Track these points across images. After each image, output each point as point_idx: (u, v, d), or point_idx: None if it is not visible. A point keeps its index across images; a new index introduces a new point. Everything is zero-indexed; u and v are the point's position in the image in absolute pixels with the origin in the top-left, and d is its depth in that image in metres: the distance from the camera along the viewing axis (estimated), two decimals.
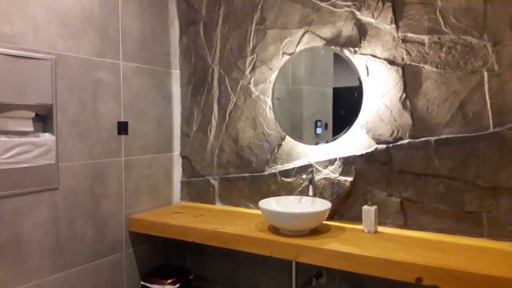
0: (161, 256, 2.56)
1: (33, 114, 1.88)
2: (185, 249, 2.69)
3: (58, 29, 1.94)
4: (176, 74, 2.64)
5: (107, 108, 2.19)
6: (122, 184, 2.29)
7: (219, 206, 2.53)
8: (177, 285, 2.23)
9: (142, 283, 2.30)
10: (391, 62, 1.95)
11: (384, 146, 1.98)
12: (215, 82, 2.51)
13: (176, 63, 2.64)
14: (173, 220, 2.21)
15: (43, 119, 1.93)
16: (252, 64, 2.37)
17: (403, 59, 1.92)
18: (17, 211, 1.80)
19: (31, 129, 1.87)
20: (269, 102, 2.31)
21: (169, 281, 2.23)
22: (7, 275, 1.77)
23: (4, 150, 1.74)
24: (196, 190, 2.63)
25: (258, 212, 2.29)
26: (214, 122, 2.53)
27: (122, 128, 2.27)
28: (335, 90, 2.14)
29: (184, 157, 2.67)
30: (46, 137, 1.91)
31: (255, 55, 2.36)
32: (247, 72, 2.39)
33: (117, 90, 2.24)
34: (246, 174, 2.42)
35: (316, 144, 2.16)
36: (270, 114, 2.32)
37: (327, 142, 2.13)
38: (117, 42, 2.24)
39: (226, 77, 2.47)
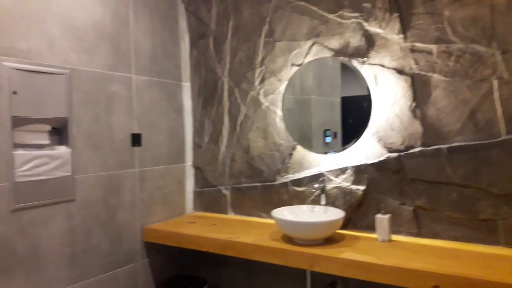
0: (176, 266, 2.57)
1: (49, 128, 1.91)
2: (200, 259, 2.69)
3: (71, 44, 1.99)
4: (187, 87, 2.68)
5: (120, 120, 2.22)
6: (136, 195, 2.32)
7: (231, 215, 2.54)
8: None
9: None
10: (400, 71, 1.97)
11: (395, 154, 1.99)
12: (225, 94, 2.55)
13: (186, 76, 2.68)
14: (187, 230, 2.23)
15: (59, 132, 1.97)
16: (261, 76, 2.41)
17: (411, 68, 1.95)
18: (35, 223, 1.83)
19: (48, 142, 1.90)
20: (279, 112, 2.34)
21: None
22: (27, 285, 1.79)
23: (22, 163, 1.77)
24: (208, 200, 2.65)
25: (270, 221, 2.30)
26: (225, 133, 2.56)
27: (136, 140, 2.31)
28: (344, 99, 2.16)
29: (196, 168, 2.70)
30: (62, 149, 1.94)
31: (264, 67, 2.39)
32: (257, 83, 2.42)
33: (129, 102, 2.28)
34: (257, 184, 2.43)
35: (326, 153, 2.18)
36: (280, 124, 2.34)
37: (337, 151, 2.14)
38: (129, 56, 2.28)
39: (236, 88, 2.51)
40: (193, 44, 2.66)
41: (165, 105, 2.52)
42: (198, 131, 2.68)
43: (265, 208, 2.39)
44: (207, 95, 2.63)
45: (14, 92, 1.75)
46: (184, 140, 2.67)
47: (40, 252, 1.85)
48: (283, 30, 2.32)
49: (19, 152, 1.77)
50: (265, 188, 2.40)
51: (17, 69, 1.76)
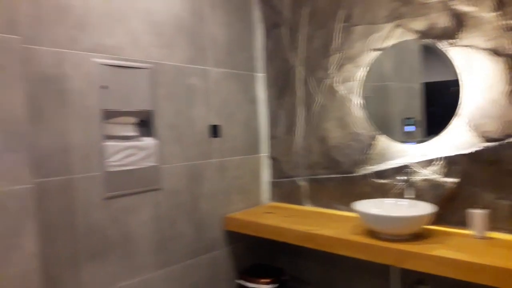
0: (254, 255, 2.61)
1: (136, 120, 2.00)
2: (277, 249, 2.69)
3: (153, 39, 2.06)
4: (261, 77, 2.68)
5: (199, 112, 2.28)
6: (216, 185, 2.38)
7: (308, 207, 2.51)
8: (273, 285, 2.25)
9: (238, 281, 2.35)
10: (495, 52, 1.79)
11: (491, 144, 1.81)
12: (300, 83, 2.50)
13: (261, 67, 2.67)
14: (266, 220, 2.24)
15: (144, 124, 2.05)
16: (338, 63, 2.32)
17: (508, 49, 1.75)
18: (125, 210, 1.94)
19: (135, 133, 1.99)
20: (357, 100, 2.25)
21: (265, 280, 2.25)
22: (118, 269, 1.91)
23: (112, 154, 1.87)
24: (284, 190, 2.64)
25: (350, 214, 2.23)
26: (300, 122, 2.52)
27: (214, 131, 2.35)
28: (428, 85, 2.02)
29: (272, 158, 2.70)
30: (148, 141, 2.03)
31: (341, 53, 2.31)
32: (333, 71, 2.35)
33: (207, 95, 2.32)
34: (335, 175, 2.37)
35: (409, 143, 2.06)
36: (358, 112, 2.25)
37: (421, 141, 2.01)
38: (206, 49, 2.32)
39: (311, 77, 2.45)
40: (267, 33, 2.64)
41: (240, 96, 2.54)
42: (273, 121, 2.67)
43: (344, 200, 2.32)
44: (281, 85, 2.60)
45: (103, 87, 1.85)
46: (258, 131, 2.68)
47: (130, 238, 1.95)
48: (362, 13, 2.21)
49: (110, 143, 1.87)
50: (344, 179, 2.33)
51: (105, 64, 1.85)
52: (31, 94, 1.58)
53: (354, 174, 2.28)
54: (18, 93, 1.43)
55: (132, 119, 1.98)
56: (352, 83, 2.27)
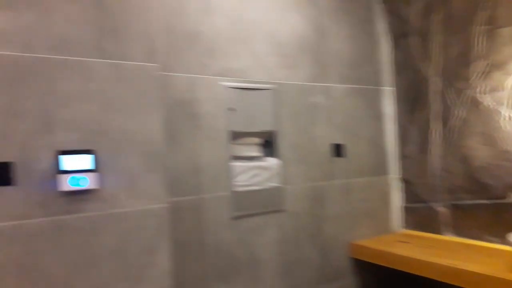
0: None
1: (260, 140, 2.01)
2: (413, 283, 2.37)
3: (277, 60, 2.06)
4: (387, 92, 2.49)
5: (322, 131, 2.20)
6: (340, 208, 2.25)
7: (450, 237, 2.20)
8: None
9: None
10: None
11: None
12: (435, 96, 2.25)
13: (387, 80, 2.49)
14: (400, 250, 2.03)
15: (268, 144, 2.04)
16: (480, 71, 2.03)
17: None
18: (252, 231, 1.93)
19: (259, 154, 2.00)
20: (509, 113, 1.91)
21: None
22: None
23: (239, 174, 1.90)
24: (419, 217, 2.37)
25: (505, 247, 1.88)
26: (435, 140, 2.25)
27: (337, 150, 2.25)
28: None
29: (403, 180, 2.46)
30: (272, 161, 2.02)
31: (483, 60, 2.01)
32: (475, 80, 2.05)
33: (330, 112, 2.24)
34: (484, 201, 2.03)
35: None
36: (509, 127, 1.91)
37: None
38: (328, 66, 2.25)
39: (448, 88, 2.18)
40: (394, 44, 2.46)
41: (365, 113, 2.39)
42: (403, 139, 2.44)
43: (497, 231, 1.97)
44: (412, 99, 2.37)
45: (230, 109, 1.89)
46: (386, 150, 2.47)
47: (256, 260, 1.94)
48: (508, 13, 1.90)
49: (236, 163, 1.90)
50: (495, 206, 1.99)
51: (232, 87, 1.90)
52: (166, 118, 1.67)
53: (509, 200, 1.93)
54: (157, 117, 1.53)
55: (256, 140, 2.00)
56: (501, 93, 1.95)
